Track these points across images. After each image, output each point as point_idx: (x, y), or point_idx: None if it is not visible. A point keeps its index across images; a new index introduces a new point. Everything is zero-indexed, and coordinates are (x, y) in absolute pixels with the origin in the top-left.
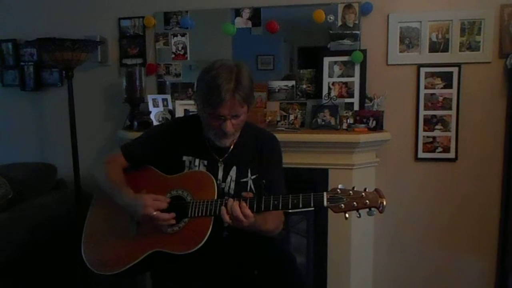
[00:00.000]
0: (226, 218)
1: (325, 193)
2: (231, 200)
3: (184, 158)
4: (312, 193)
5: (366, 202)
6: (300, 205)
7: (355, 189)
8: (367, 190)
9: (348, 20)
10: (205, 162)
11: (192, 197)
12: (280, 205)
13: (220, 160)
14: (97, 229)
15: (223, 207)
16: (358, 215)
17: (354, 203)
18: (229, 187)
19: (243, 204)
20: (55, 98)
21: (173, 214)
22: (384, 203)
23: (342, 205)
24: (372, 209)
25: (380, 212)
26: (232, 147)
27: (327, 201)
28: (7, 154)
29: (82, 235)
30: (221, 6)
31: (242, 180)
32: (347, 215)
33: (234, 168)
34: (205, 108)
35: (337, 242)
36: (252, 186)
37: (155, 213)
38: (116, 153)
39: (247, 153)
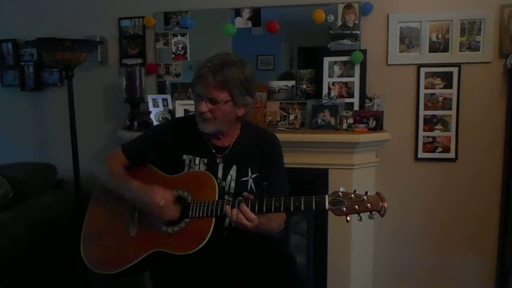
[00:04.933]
0: (229, 214)
1: (326, 196)
2: (234, 210)
3: (184, 157)
4: (314, 196)
5: (368, 206)
6: (302, 208)
7: (356, 192)
8: (368, 194)
9: (348, 20)
10: (205, 160)
11: (193, 197)
12: (282, 207)
13: (220, 157)
14: (96, 228)
15: (227, 206)
16: (359, 219)
17: (356, 206)
18: (230, 185)
19: (246, 209)
20: (55, 98)
21: (178, 206)
22: (386, 206)
23: (344, 208)
24: (373, 212)
25: (381, 216)
26: (231, 146)
27: (329, 204)
28: (7, 154)
29: (81, 234)
30: (221, 6)
31: (242, 179)
32: (348, 218)
33: (234, 167)
34: (192, 88)
35: (337, 242)
36: (253, 185)
37: (163, 201)
38: (116, 152)
39: (247, 152)
